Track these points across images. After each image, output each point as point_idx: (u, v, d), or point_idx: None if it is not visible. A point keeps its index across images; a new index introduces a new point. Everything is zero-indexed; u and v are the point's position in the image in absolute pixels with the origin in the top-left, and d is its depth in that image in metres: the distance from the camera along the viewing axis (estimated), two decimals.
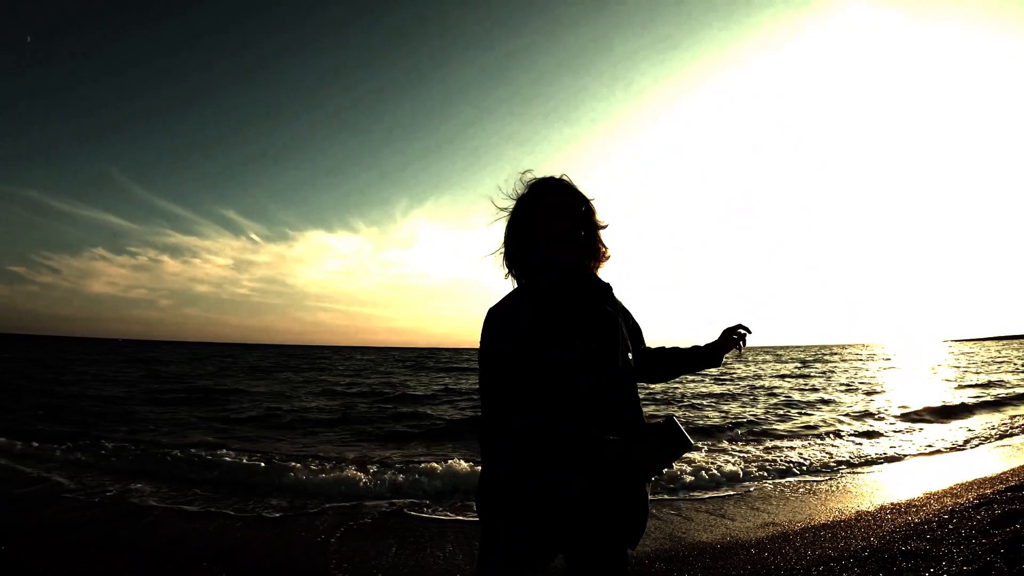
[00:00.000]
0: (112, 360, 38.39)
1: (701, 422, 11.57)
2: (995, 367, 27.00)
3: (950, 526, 4.02)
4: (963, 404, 13.26)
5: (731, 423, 11.30)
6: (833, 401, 15.12)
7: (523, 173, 1.56)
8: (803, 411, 13.17)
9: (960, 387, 17.45)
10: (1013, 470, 6.12)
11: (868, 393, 17.14)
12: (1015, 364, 28.97)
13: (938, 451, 8.14)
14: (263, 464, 7.04)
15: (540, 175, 1.54)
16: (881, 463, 7.39)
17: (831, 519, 4.95)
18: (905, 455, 7.89)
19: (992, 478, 5.79)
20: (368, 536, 4.68)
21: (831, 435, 9.78)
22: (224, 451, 7.95)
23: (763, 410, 13.49)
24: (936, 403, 13.60)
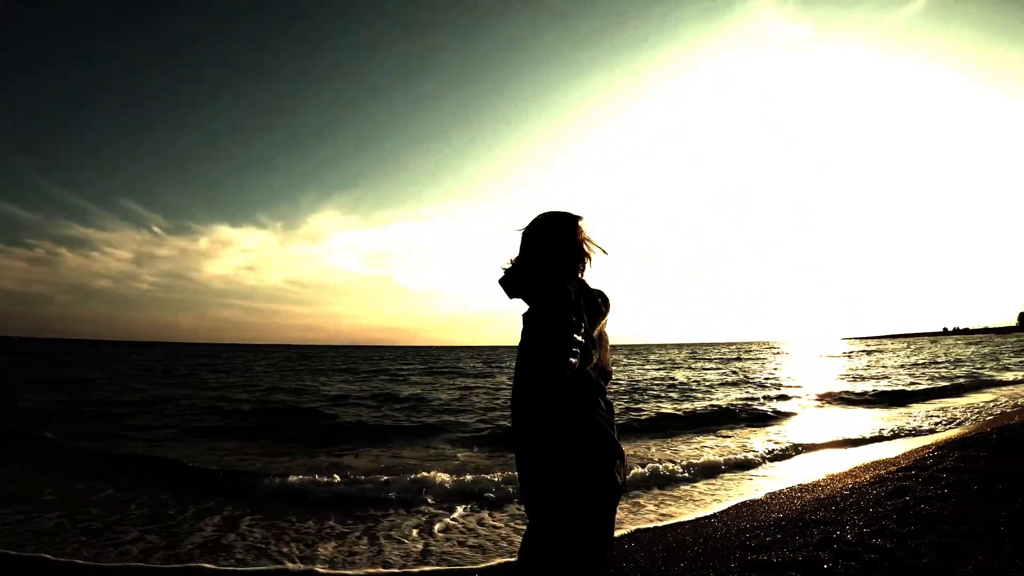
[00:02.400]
0: None
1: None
2: (893, 363, 29.59)
3: (851, 500, 4.56)
4: (863, 395, 14.56)
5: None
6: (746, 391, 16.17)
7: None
8: (705, 399, 14.05)
9: (858, 380, 19.06)
10: (904, 454, 6.89)
11: (778, 387, 18.40)
12: (905, 360, 31.85)
13: (841, 439, 8.97)
14: None
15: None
16: (789, 453, 8.08)
17: (747, 500, 5.46)
18: (811, 443, 8.65)
19: (886, 461, 6.50)
20: None
21: (741, 425, 10.55)
22: None
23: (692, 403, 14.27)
24: (840, 394, 14.87)
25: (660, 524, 4.80)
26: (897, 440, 8.78)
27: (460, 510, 5.41)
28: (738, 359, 44.23)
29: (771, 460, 7.48)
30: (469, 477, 6.35)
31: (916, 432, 9.37)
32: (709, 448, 8.57)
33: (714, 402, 14.39)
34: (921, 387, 16.80)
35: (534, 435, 1.77)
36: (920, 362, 30.57)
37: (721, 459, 7.19)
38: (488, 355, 73.00)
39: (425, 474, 6.37)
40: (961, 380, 18.39)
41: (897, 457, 6.83)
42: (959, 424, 9.87)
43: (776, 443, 8.57)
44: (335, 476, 6.42)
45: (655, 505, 5.47)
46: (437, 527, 4.95)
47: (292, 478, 6.38)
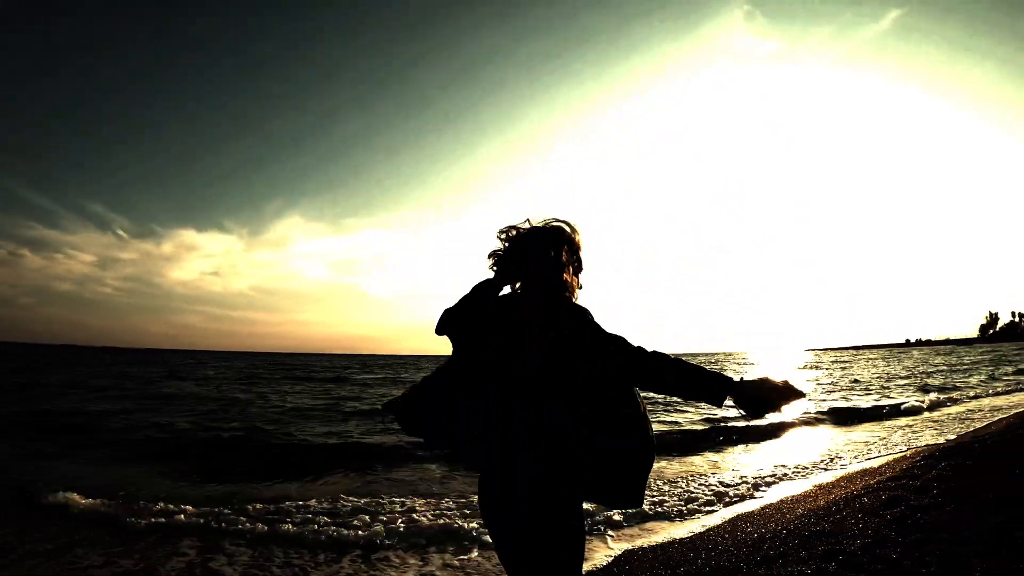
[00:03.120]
0: None
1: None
2: (865, 373, 30.21)
3: (847, 511, 4.60)
4: (851, 409, 14.79)
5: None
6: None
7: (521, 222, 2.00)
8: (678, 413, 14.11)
9: (830, 392, 19.39)
10: (889, 464, 7.01)
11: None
12: (873, 371, 32.55)
13: (821, 451, 9.09)
14: None
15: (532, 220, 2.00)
16: (777, 473, 8.14)
17: (743, 514, 5.47)
18: (799, 464, 8.74)
19: (872, 470, 6.60)
20: None
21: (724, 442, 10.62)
22: None
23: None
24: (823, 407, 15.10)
25: (659, 541, 4.76)
26: (872, 444, 8.94)
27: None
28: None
29: (758, 481, 7.52)
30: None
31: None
32: (696, 466, 8.59)
33: (687, 418, 14.16)
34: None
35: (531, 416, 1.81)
36: (902, 373, 31.25)
37: (712, 477, 7.21)
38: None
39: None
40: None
41: (882, 467, 6.93)
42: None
43: (762, 464, 8.63)
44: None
45: (643, 523, 5.43)
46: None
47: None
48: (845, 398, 18.04)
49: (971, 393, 18.18)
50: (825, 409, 14.56)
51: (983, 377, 25.30)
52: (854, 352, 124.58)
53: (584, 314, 1.90)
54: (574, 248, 1.97)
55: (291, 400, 19.47)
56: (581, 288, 2.00)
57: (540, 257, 1.89)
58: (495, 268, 1.96)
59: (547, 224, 1.97)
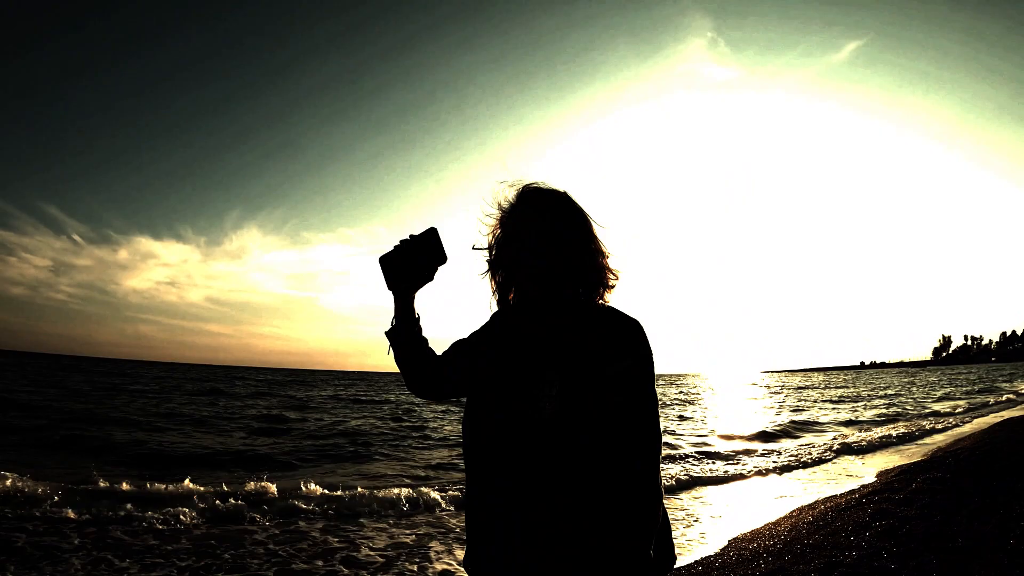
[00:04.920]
0: None
1: None
2: (820, 395, 30.85)
3: (838, 523, 4.62)
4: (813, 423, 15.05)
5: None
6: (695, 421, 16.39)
7: (512, 180, 1.32)
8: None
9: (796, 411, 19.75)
10: (870, 481, 7.11)
11: (720, 417, 18.76)
12: (828, 393, 33.26)
13: (795, 465, 9.19)
14: None
15: (530, 181, 1.31)
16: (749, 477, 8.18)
17: (736, 536, 5.46)
18: (772, 468, 8.81)
19: (852, 489, 6.69)
20: None
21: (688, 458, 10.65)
22: None
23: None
24: (788, 423, 15.32)
25: None
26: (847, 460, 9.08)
27: None
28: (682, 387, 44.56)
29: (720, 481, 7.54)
30: None
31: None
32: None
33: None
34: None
35: None
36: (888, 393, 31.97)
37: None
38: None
39: None
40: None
41: (862, 484, 7.04)
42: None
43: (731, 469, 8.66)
44: None
45: None
46: None
47: None
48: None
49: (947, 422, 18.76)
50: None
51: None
52: (803, 375, 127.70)
53: (633, 328, 1.25)
54: (587, 223, 1.29)
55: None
56: (617, 280, 1.31)
57: (540, 244, 1.23)
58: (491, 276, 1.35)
59: (532, 187, 1.30)
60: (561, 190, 1.28)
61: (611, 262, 1.30)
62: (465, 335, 1.39)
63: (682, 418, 19.94)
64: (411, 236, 1.36)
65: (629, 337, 1.23)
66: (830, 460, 9.80)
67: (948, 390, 31.87)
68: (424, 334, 1.40)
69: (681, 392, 45.49)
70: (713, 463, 10.04)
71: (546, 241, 1.22)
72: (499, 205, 1.31)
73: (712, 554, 4.61)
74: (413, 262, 1.35)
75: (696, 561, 4.62)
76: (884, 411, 20.32)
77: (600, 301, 1.29)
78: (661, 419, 1.25)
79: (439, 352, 1.39)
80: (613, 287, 1.31)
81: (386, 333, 1.38)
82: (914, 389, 35.66)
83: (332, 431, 14.58)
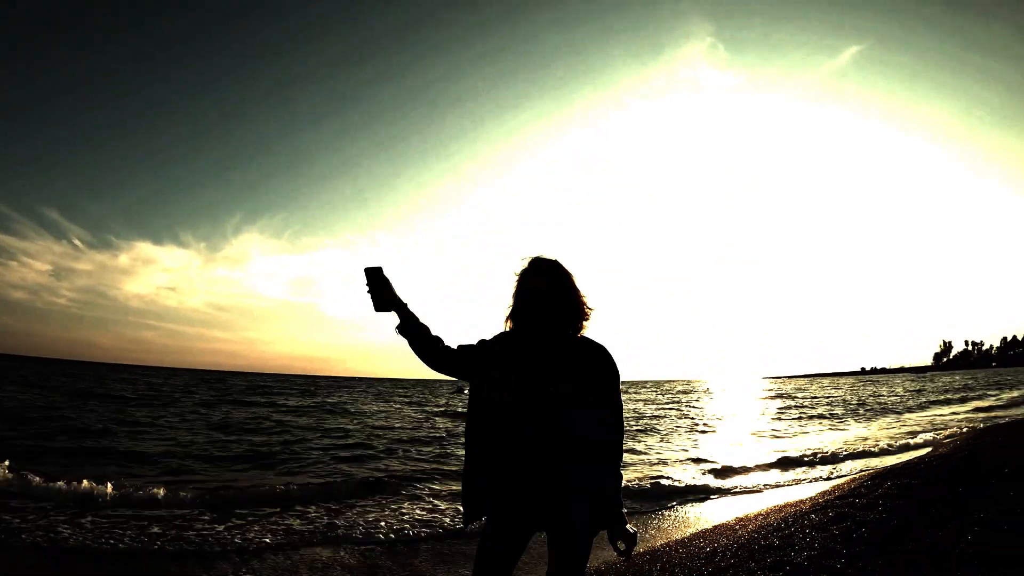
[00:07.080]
0: None
1: None
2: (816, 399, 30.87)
3: (795, 527, 4.66)
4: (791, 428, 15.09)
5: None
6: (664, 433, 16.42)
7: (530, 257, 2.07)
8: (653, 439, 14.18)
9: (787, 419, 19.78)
10: (837, 485, 7.15)
11: (705, 425, 18.79)
12: (819, 397, 33.29)
13: (775, 467, 9.24)
14: None
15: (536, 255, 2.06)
16: (727, 488, 8.24)
17: (697, 531, 5.52)
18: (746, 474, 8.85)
19: (823, 492, 6.72)
20: None
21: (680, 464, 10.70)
22: None
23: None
24: (768, 429, 15.36)
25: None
26: (823, 466, 9.11)
27: None
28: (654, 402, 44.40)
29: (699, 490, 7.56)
30: None
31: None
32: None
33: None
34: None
35: None
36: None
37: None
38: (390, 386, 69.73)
39: None
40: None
41: (832, 488, 7.08)
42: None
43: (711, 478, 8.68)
44: None
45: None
46: None
47: None
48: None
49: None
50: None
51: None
52: (807, 380, 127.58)
53: (599, 349, 2.00)
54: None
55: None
56: (592, 313, 2.04)
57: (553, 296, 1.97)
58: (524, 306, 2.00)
59: (536, 257, 2.04)
60: (554, 259, 2.01)
61: (587, 301, 2.02)
62: (474, 341, 2.09)
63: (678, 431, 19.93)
64: (365, 271, 2.04)
65: (595, 355, 1.96)
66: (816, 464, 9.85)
67: (946, 396, 31.87)
68: (424, 323, 2.07)
69: (675, 400, 45.10)
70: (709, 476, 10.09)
71: (542, 289, 1.96)
72: (516, 272, 2.04)
73: (658, 547, 4.67)
74: (379, 295, 2.04)
75: (647, 550, 4.69)
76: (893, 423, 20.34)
77: (581, 329, 2.01)
78: (624, 418, 2.02)
79: (453, 343, 2.09)
80: (588, 318, 2.02)
81: (396, 329, 2.06)
82: (917, 393, 35.71)
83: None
